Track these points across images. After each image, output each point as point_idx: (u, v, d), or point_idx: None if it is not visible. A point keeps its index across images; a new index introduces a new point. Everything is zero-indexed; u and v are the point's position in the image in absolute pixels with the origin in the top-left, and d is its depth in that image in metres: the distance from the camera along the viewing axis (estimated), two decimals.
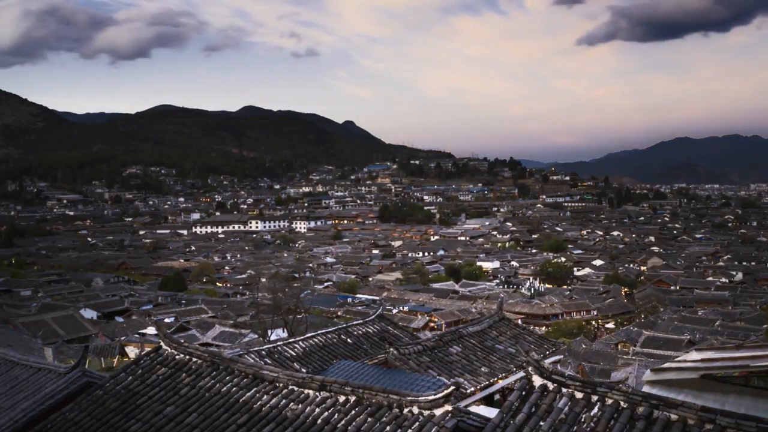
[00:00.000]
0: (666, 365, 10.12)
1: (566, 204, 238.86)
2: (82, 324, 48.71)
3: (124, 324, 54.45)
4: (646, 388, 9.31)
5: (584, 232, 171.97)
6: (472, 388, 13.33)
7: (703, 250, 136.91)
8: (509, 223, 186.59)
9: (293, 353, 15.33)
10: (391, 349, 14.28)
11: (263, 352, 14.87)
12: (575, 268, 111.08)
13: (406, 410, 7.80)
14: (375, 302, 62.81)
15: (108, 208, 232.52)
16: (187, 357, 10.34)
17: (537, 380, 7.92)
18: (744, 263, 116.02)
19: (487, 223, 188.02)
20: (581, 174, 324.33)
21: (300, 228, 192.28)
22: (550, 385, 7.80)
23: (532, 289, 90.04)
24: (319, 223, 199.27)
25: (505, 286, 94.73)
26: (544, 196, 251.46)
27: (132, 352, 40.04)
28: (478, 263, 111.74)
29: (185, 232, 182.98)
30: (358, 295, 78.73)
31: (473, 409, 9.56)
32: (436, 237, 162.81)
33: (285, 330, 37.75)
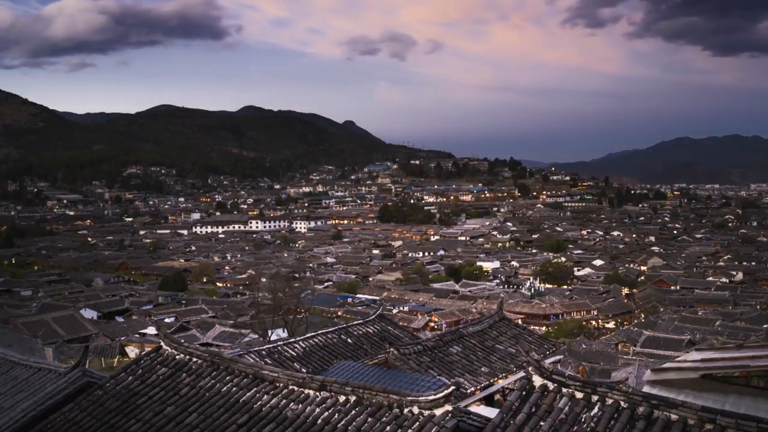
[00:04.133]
0: (666, 365, 10.11)
1: (566, 204, 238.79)
2: (83, 324, 48.70)
3: (124, 324, 54.48)
4: (646, 388, 9.30)
5: (584, 232, 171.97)
6: (473, 388, 13.32)
7: (704, 250, 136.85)
8: (509, 223, 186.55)
9: (293, 353, 15.32)
10: (392, 349, 14.28)
11: (263, 352, 14.86)
12: (575, 268, 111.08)
13: (406, 410, 7.80)
14: (375, 302, 62.80)
15: (108, 208, 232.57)
16: (187, 357, 10.33)
17: (537, 380, 7.91)
18: (744, 263, 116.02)
19: (487, 223, 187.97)
20: (581, 174, 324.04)
21: (300, 228, 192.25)
22: (551, 385, 7.79)
23: (533, 289, 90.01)
24: (319, 223, 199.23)
25: (505, 286, 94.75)
26: (544, 196, 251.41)
27: (132, 352, 40.09)
28: (478, 263, 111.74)
29: (185, 232, 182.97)
30: (358, 295, 78.76)
31: (473, 409, 9.55)
32: (436, 237, 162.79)
33: (285, 330, 37.80)
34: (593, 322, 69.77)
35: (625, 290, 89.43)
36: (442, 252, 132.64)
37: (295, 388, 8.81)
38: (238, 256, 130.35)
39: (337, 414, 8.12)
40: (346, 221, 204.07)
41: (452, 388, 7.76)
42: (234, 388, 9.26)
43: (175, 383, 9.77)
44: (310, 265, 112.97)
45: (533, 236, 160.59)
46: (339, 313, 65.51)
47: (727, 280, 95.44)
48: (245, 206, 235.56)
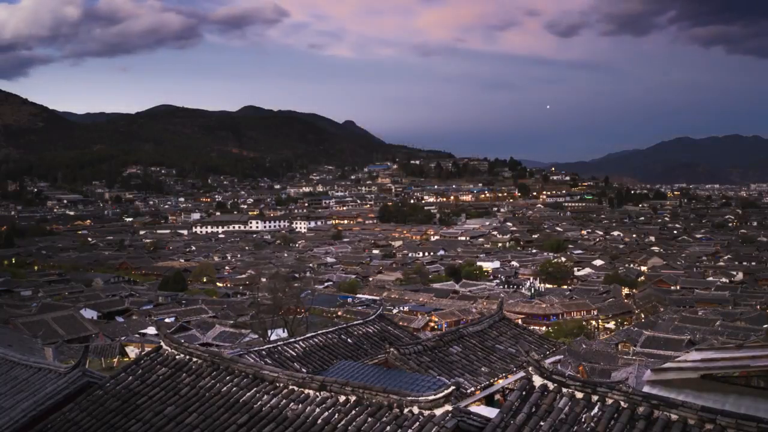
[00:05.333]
0: (666, 365, 10.11)
1: (566, 204, 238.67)
2: (83, 324, 48.70)
3: (124, 324, 54.48)
4: (646, 388, 9.30)
5: (584, 232, 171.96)
6: (473, 388, 13.32)
7: (704, 250, 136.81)
8: (509, 223, 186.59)
9: (293, 353, 15.32)
10: (392, 349, 14.28)
11: (263, 352, 14.86)
12: (575, 268, 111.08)
13: (406, 410, 7.80)
14: (375, 302, 62.78)
15: (108, 208, 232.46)
16: (188, 357, 10.33)
17: (537, 380, 7.91)
18: (744, 263, 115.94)
19: (487, 223, 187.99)
20: (581, 174, 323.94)
21: (300, 228, 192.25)
22: (551, 385, 7.79)
23: (533, 289, 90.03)
24: (319, 223, 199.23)
25: (506, 286, 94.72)
26: (544, 196, 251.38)
27: (132, 352, 40.07)
28: (478, 263, 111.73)
29: (185, 232, 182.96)
30: (358, 295, 78.75)
31: (473, 409, 9.55)
32: (436, 237, 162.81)
33: (285, 330, 37.83)
34: (593, 322, 69.77)
35: (625, 290, 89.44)
36: (442, 252, 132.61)
37: (295, 388, 8.81)
38: (238, 256, 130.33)
39: (337, 414, 8.12)
40: (346, 221, 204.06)
41: (452, 388, 7.76)
42: (234, 388, 9.26)
43: (175, 383, 9.77)
44: (310, 265, 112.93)
45: (533, 236, 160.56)
46: (339, 313, 65.51)
47: (727, 280, 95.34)
48: (245, 206, 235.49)
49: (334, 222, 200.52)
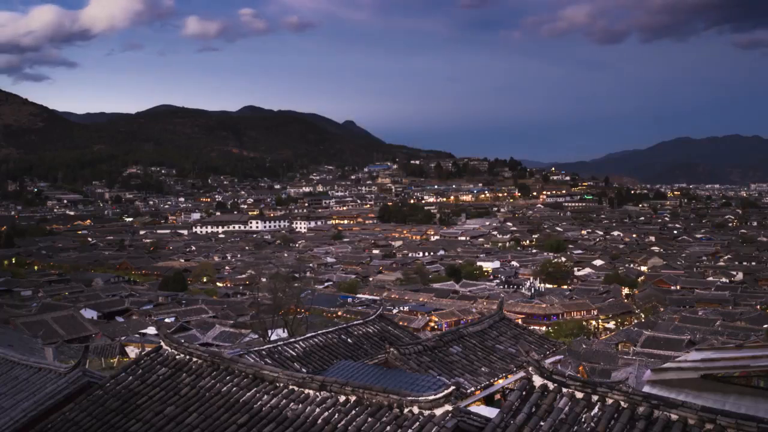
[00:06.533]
0: (666, 365, 10.12)
1: (566, 204, 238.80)
2: (83, 324, 48.69)
3: (124, 324, 54.48)
4: (646, 388, 9.31)
5: (584, 232, 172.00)
6: (473, 388, 13.32)
7: (704, 250, 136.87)
8: (509, 223, 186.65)
9: (293, 353, 15.32)
10: (392, 349, 14.27)
11: (263, 352, 14.85)
12: (575, 268, 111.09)
13: (406, 410, 7.80)
14: (375, 302, 62.82)
15: (108, 208, 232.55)
16: (188, 357, 10.33)
17: (537, 380, 7.91)
18: (744, 263, 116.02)
19: (487, 223, 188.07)
20: (581, 174, 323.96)
21: (300, 228, 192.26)
22: (551, 385, 7.79)
23: (533, 289, 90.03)
24: (319, 223, 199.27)
25: (506, 286, 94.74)
26: (544, 196, 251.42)
27: (132, 352, 40.04)
28: (479, 263, 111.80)
29: (185, 232, 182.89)
30: (358, 295, 78.78)
31: (473, 409, 9.55)
32: (436, 237, 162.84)
33: (285, 330, 37.79)
34: (593, 322, 69.78)
35: (625, 290, 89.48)
36: (442, 252, 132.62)
37: (295, 388, 8.81)
38: (238, 256, 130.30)
39: (337, 414, 8.12)
40: (346, 221, 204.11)
41: (452, 388, 7.76)
42: (234, 388, 9.26)
43: (175, 383, 9.77)
44: (310, 265, 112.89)
45: (533, 236, 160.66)
46: (339, 313, 65.56)
47: (727, 280, 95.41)
48: (245, 206, 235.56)
49: (334, 222, 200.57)
